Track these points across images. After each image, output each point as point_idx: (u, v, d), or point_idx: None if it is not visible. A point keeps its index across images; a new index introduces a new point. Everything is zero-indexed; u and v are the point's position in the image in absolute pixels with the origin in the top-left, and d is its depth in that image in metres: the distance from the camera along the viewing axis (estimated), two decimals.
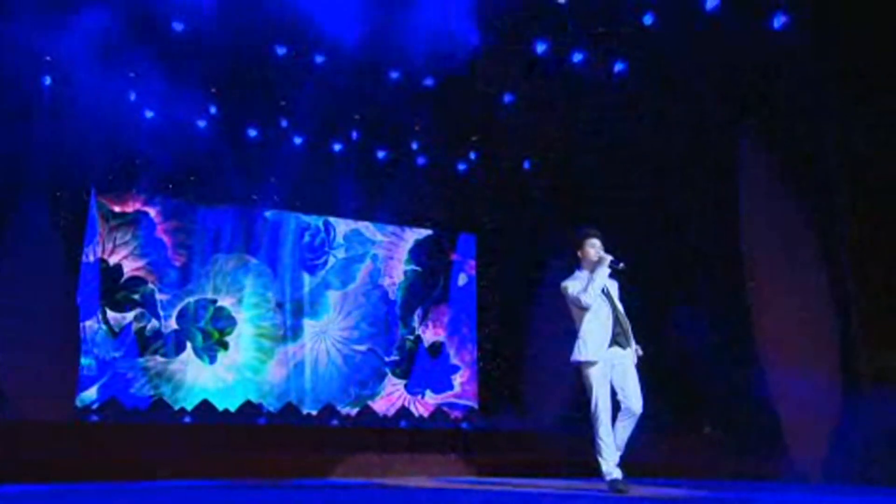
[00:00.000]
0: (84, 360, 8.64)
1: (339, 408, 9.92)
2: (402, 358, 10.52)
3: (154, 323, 9.19)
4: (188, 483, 5.95)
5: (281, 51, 7.88)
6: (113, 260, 9.15)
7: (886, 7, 6.06)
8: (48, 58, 7.50)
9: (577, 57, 7.86)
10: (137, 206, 9.42)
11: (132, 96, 8.23)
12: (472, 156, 10.08)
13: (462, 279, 11.19)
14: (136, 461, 6.55)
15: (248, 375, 9.56)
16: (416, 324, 10.73)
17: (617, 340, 4.96)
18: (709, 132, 7.84)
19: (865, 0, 6.27)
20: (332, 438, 8.66)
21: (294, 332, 9.93)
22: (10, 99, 7.55)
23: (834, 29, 6.60)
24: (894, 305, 6.87)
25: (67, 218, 8.48)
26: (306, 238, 10.29)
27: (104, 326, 8.91)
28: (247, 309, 9.72)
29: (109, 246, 9.17)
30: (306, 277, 10.17)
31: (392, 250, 10.85)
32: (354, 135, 9.43)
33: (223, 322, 9.58)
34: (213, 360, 9.43)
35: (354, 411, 10.03)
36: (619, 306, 5.09)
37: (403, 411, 10.32)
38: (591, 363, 4.89)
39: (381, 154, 9.79)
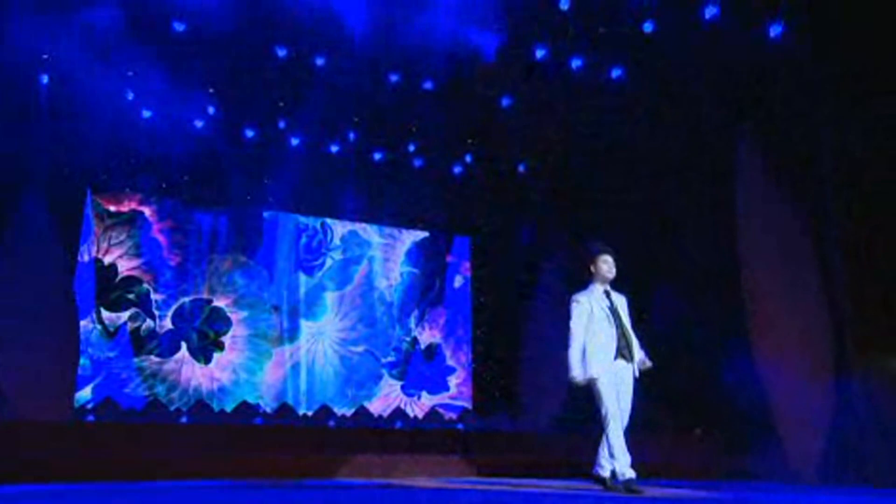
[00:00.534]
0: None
1: (335, 409, 9.92)
2: (398, 359, 10.53)
3: (149, 323, 9.15)
4: (186, 483, 5.93)
5: (281, 52, 7.86)
6: (108, 259, 9.10)
7: (882, 11, 6.15)
8: (45, 56, 7.45)
9: (577, 63, 7.89)
10: (133, 205, 9.38)
11: (129, 96, 8.18)
12: (469, 158, 10.11)
13: (458, 281, 11.22)
14: (133, 461, 6.52)
15: (244, 376, 9.54)
16: (412, 325, 10.74)
17: (622, 353, 5.16)
18: (706, 135, 7.90)
19: (861, 5, 6.34)
20: (329, 439, 8.66)
21: (290, 332, 9.92)
22: (8, 98, 7.50)
23: (830, 33, 6.68)
24: (887, 307, 6.96)
25: (65, 217, 8.43)
26: (304, 239, 10.29)
27: (99, 326, 8.86)
28: (242, 309, 9.69)
29: (104, 245, 9.12)
30: (303, 278, 10.16)
31: (389, 252, 10.86)
32: (352, 136, 9.43)
33: (218, 322, 9.55)
34: (208, 360, 9.39)
35: (350, 412, 10.03)
36: (626, 321, 5.26)
37: (398, 412, 10.33)
38: (597, 377, 5.08)
39: (378, 156, 9.79)
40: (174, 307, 9.33)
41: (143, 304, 9.15)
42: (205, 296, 9.52)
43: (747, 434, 7.52)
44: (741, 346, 7.49)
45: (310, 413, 9.75)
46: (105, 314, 8.94)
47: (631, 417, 5.26)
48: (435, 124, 9.22)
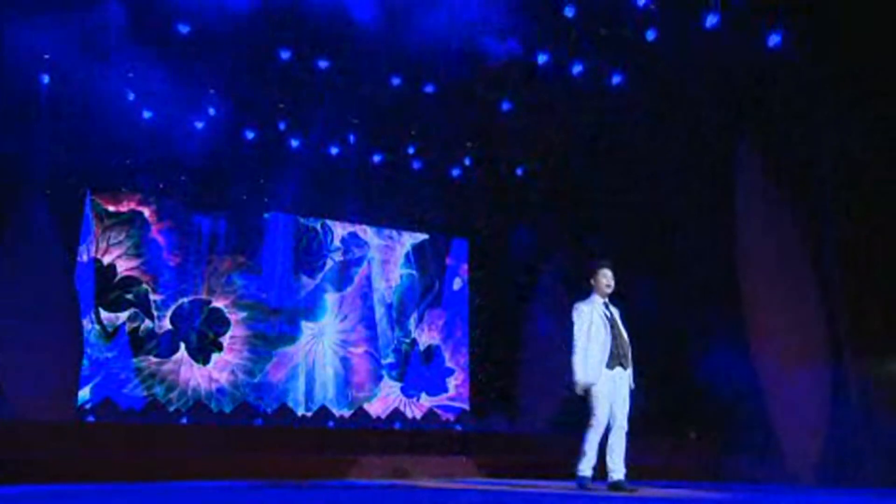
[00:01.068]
0: None
1: (334, 410, 9.92)
2: (397, 361, 10.54)
3: (148, 323, 9.14)
4: (186, 484, 5.93)
5: (283, 54, 7.85)
6: (107, 259, 9.09)
7: (881, 13, 6.17)
8: (46, 56, 7.45)
9: (578, 68, 7.91)
10: (132, 205, 9.37)
11: (130, 96, 8.17)
12: (468, 161, 10.12)
13: (457, 283, 11.25)
14: (133, 462, 6.51)
15: (243, 377, 9.53)
16: (412, 327, 10.76)
17: (619, 362, 5.40)
18: (705, 137, 7.93)
19: (861, 6, 6.37)
20: (328, 440, 8.66)
21: (290, 334, 9.92)
22: (9, 98, 7.49)
23: (829, 35, 6.71)
24: (885, 310, 6.99)
25: (66, 217, 8.43)
26: (304, 241, 10.30)
27: (97, 326, 8.84)
28: (241, 310, 9.69)
29: (103, 245, 9.11)
30: (304, 280, 10.17)
31: (388, 254, 10.88)
32: (352, 138, 9.44)
33: (217, 323, 9.54)
34: (207, 361, 9.39)
35: (349, 413, 10.03)
36: (622, 330, 5.51)
37: (397, 413, 10.34)
38: (593, 383, 5.33)
39: (377, 158, 9.79)
40: (173, 308, 9.32)
41: (142, 305, 9.14)
42: (204, 296, 9.52)
43: (745, 436, 7.54)
44: (739, 348, 7.51)
45: (309, 414, 9.75)
46: (104, 314, 8.92)
47: (630, 421, 5.44)
48: (435, 126, 9.24)
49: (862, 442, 6.91)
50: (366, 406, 10.16)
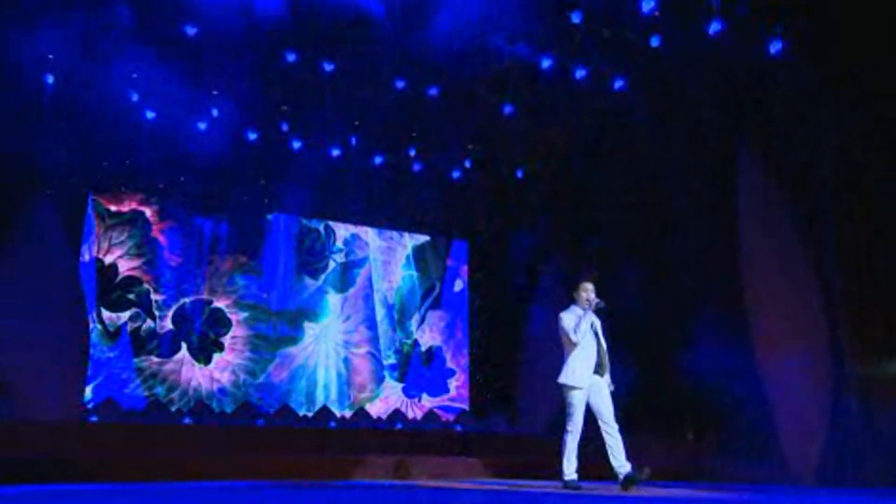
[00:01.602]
0: None
1: (335, 410, 9.94)
2: (399, 361, 10.56)
3: (149, 323, 9.15)
4: (187, 485, 5.94)
5: (286, 56, 7.85)
6: (108, 259, 9.10)
7: (881, 14, 6.18)
8: (50, 56, 7.46)
9: (580, 72, 7.92)
10: (133, 205, 9.38)
11: (134, 96, 8.18)
12: (468, 163, 10.14)
13: (458, 285, 11.28)
14: (134, 462, 6.53)
15: (244, 377, 9.55)
16: (413, 328, 10.78)
17: (598, 370, 5.84)
18: (706, 138, 7.93)
19: (860, 8, 6.38)
20: (329, 440, 8.68)
21: (292, 334, 9.94)
22: (12, 98, 7.51)
23: (829, 37, 6.72)
24: (885, 311, 7.00)
25: (71, 217, 8.46)
26: (307, 242, 10.32)
27: (99, 326, 8.86)
28: (242, 311, 9.71)
29: (105, 245, 9.12)
30: (307, 280, 10.19)
31: (390, 255, 10.91)
32: (353, 140, 9.45)
33: (218, 323, 9.56)
34: (208, 361, 9.40)
35: (350, 414, 10.05)
36: (603, 341, 5.95)
37: (397, 414, 10.36)
38: (577, 388, 5.77)
39: (378, 159, 9.80)
40: (174, 308, 9.34)
41: (144, 305, 9.15)
42: (205, 296, 9.53)
43: (744, 437, 7.55)
44: (739, 348, 7.52)
45: (310, 414, 9.77)
46: (105, 314, 8.93)
47: (618, 419, 5.83)
48: (435, 128, 9.25)
49: (862, 442, 6.92)
50: (368, 406, 10.18)
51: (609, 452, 5.73)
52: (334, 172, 9.65)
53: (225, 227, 9.75)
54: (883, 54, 6.24)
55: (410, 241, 11.10)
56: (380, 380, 10.37)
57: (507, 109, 8.69)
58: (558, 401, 9.19)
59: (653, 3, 6.89)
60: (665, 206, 8.62)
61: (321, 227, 10.49)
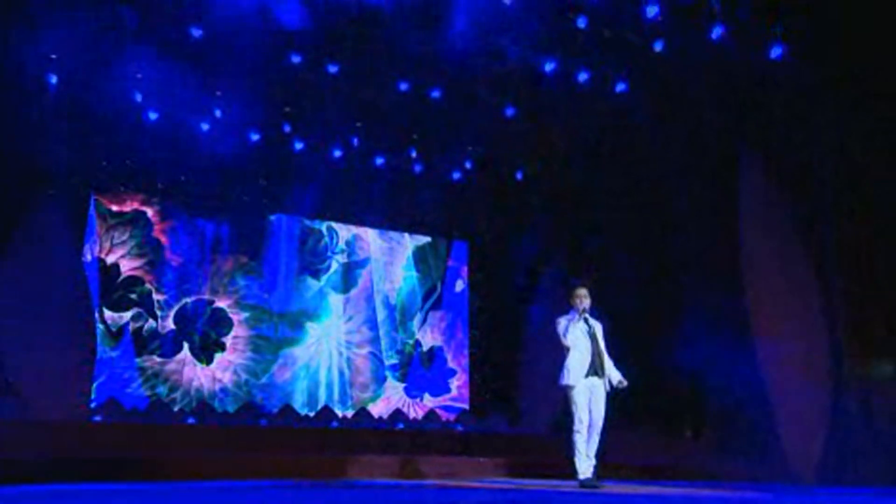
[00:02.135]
0: None
1: (337, 410, 9.96)
2: (400, 362, 10.59)
3: (151, 323, 9.17)
4: (188, 484, 5.96)
5: (290, 58, 7.86)
6: (110, 259, 9.11)
7: (880, 16, 6.20)
8: (54, 56, 7.48)
9: (582, 75, 7.95)
10: (135, 205, 9.40)
11: (137, 97, 8.19)
12: (468, 164, 10.16)
13: (458, 285, 11.31)
14: (135, 461, 6.54)
15: (246, 377, 9.57)
16: (414, 328, 10.81)
17: (595, 371, 6.07)
18: (706, 139, 7.95)
19: (860, 9, 6.40)
20: (331, 440, 8.69)
21: (294, 335, 9.96)
22: (15, 98, 7.53)
23: (829, 38, 6.74)
24: (884, 311, 7.02)
25: (76, 217, 8.48)
26: (310, 243, 10.35)
27: (101, 326, 8.87)
28: (244, 311, 9.73)
29: (107, 245, 9.14)
30: (309, 281, 10.22)
31: (391, 256, 10.94)
32: (355, 141, 9.47)
33: (220, 323, 9.57)
34: (209, 361, 9.42)
35: (351, 413, 10.07)
36: (601, 344, 6.16)
37: (398, 413, 10.38)
38: (573, 387, 6.02)
39: (379, 161, 9.82)
40: (176, 308, 9.36)
41: (146, 305, 9.17)
42: (206, 296, 9.55)
43: (744, 436, 7.57)
44: (739, 348, 7.54)
45: (312, 414, 9.79)
46: (107, 314, 8.95)
47: (605, 423, 6.07)
48: (436, 130, 9.27)
49: (862, 441, 6.94)
50: (371, 406, 10.20)
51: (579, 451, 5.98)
52: (336, 173, 9.67)
53: (227, 227, 9.77)
54: (883, 54, 6.26)
55: (411, 241, 11.13)
56: (381, 380, 10.40)
57: (509, 111, 8.70)
58: (558, 401, 9.26)
59: (657, 9, 6.91)
60: (665, 207, 8.64)
61: (323, 228, 10.51)
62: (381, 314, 10.59)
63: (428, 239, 11.23)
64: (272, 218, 10.09)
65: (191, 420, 8.99)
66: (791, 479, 7.03)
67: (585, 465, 5.95)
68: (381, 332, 10.52)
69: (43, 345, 7.70)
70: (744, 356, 7.50)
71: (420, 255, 11.14)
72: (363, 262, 10.68)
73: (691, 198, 8.21)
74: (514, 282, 10.76)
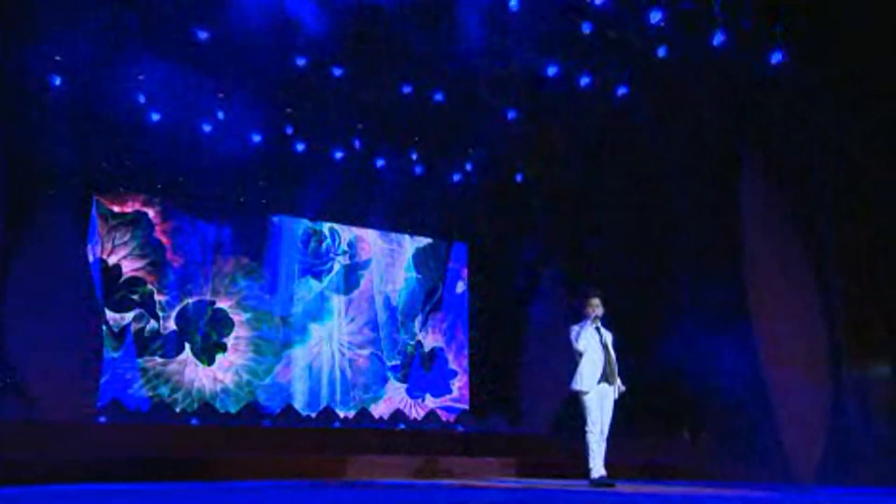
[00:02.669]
0: None
1: (339, 411, 9.98)
2: (402, 362, 10.61)
3: (153, 324, 9.19)
4: (189, 485, 5.97)
5: (295, 61, 7.88)
6: (112, 260, 9.12)
7: (880, 16, 6.22)
8: (57, 58, 7.50)
9: (584, 78, 7.97)
10: (137, 206, 9.41)
11: (140, 98, 8.21)
12: (469, 166, 10.18)
13: (459, 287, 11.33)
14: (137, 461, 6.56)
15: (247, 378, 9.58)
16: (416, 329, 10.83)
17: (606, 378, 6.25)
18: (707, 140, 7.97)
19: (860, 10, 6.42)
20: (332, 440, 8.71)
21: (296, 335, 9.97)
22: (17, 98, 7.56)
23: (829, 39, 6.76)
24: (883, 312, 7.04)
25: (81, 218, 8.51)
26: (312, 244, 10.36)
27: (103, 327, 8.89)
28: (245, 311, 9.74)
29: (108, 246, 9.15)
30: (311, 282, 10.24)
31: (393, 257, 10.96)
32: (357, 143, 9.50)
33: (222, 324, 9.59)
34: (211, 361, 9.43)
35: (353, 414, 10.08)
36: (612, 352, 6.35)
37: (399, 414, 10.39)
38: (586, 392, 6.19)
39: (380, 162, 9.84)
40: (178, 308, 9.37)
41: (147, 305, 9.18)
42: (208, 297, 9.57)
43: (744, 437, 7.58)
44: (739, 348, 7.56)
45: (313, 415, 9.80)
46: (109, 315, 8.95)
47: (611, 427, 6.27)
48: (436, 131, 9.29)
49: (862, 442, 6.95)
50: (372, 407, 10.22)
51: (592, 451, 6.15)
52: (337, 175, 9.70)
53: (228, 228, 9.79)
54: (883, 55, 6.29)
55: (412, 243, 11.15)
56: (383, 381, 10.41)
57: (510, 114, 8.73)
58: (558, 401, 9.32)
59: (660, 15, 6.94)
60: (665, 207, 8.67)
61: (325, 230, 10.54)
62: (382, 315, 10.61)
63: (429, 240, 11.25)
64: (274, 219, 10.11)
65: (193, 421, 8.99)
66: (791, 480, 7.04)
67: (601, 462, 6.10)
68: (383, 334, 10.54)
69: (49, 345, 7.71)
70: (744, 356, 7.52)
71: (421, 257, 11.17)
72: (364, 264, 10.71)
73: (691, 198, 8.23)
74: (515, 283, 10.79)
